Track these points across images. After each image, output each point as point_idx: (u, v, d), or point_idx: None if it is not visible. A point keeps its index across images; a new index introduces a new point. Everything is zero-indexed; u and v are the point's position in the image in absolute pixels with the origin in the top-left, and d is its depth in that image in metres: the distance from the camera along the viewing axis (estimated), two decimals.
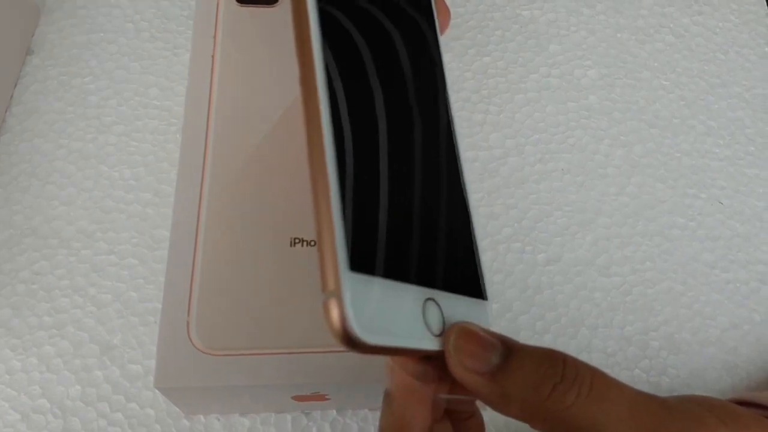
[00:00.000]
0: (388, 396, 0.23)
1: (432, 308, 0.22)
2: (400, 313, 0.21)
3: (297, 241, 0.31)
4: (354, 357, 0.30)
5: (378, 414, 0.35)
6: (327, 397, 0.32)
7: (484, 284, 0.25)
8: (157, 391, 0.33)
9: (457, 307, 0.23)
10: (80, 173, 0.40)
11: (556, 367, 0.21)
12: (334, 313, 0.19)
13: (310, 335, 0.30)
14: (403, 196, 0.23)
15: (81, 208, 0.39)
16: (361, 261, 0.20)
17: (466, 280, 0.25)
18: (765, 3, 0.52)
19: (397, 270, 0.21)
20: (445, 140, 0.27)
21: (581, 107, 0.45)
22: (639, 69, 0.47)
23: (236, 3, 0.37)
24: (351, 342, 0.19)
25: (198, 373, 0.29)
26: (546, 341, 0.37)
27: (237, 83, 0.35)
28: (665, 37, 0.49)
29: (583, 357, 0.37)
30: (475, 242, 0.26)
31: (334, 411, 0.35)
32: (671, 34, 0.49)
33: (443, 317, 0.22)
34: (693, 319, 0.39)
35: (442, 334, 0.22)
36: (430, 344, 0.21)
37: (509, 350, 0.22)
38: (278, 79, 0.36)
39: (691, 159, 0.44)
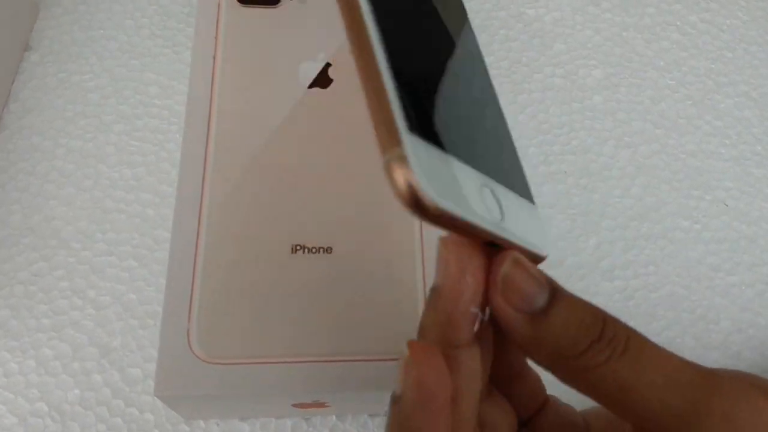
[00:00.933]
0: (396, 404, 0.22)
1: (489, 196, 0.21)
2: (461, 189, 0.19)
3: (298, 248, 0.31)
4: (354, 365, 0.30)
5: (378, 420, 0.35)
6: (327, 404, 0.32)
7: (530, 190, 0.24)
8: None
9: (513, 204, 0.22)
10: (80, 172, 0.39)
11: (597, 325, 0.21)
12: (399, 174, 0.17)
13: (311, 344, 0.30)
14: (453, 85, 0.22)
15: (80, 208, 0.39)
16: (419, 125, 0.18)
17: (518, 181, 0.24)
18: None
19: (454, 146, 0.20)
20: (480, 71, 0.27)
21: (586, 108, 0.45)
22: (645, 68, 0.47)
23: (238, 3, 0.37)
24: (420, 205, 0.17)
25: (198, 381, 0.28)
26: None
27: (238, 85, 0.35)
28: (672, 35, 0.49)
29: None
30: (514, 146, 0.25)
31: (334, 417, 0.35)
32: (678, 32, 0.49)
33: (501, 208, 0.21)
34: (696, 324, 0.39)
35: (502, 222, 0.21)
36: (493, 228, 0.20)
37: (554, 296, 0.21)
38: (280, 80, 0.35)
39: (696, 160, 0.44)
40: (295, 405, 0.31)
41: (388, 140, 0.18)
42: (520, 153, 0.24)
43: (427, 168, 0.18)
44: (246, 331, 0.30)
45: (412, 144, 0.18)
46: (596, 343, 0.20)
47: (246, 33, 0.37)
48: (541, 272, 0.21)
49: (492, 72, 0.26)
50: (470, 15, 0.28)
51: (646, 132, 0.44)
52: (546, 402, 0.27)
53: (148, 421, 0.34)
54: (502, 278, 0.21)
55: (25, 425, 0.33)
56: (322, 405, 0.32)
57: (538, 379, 0.27)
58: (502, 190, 0.22)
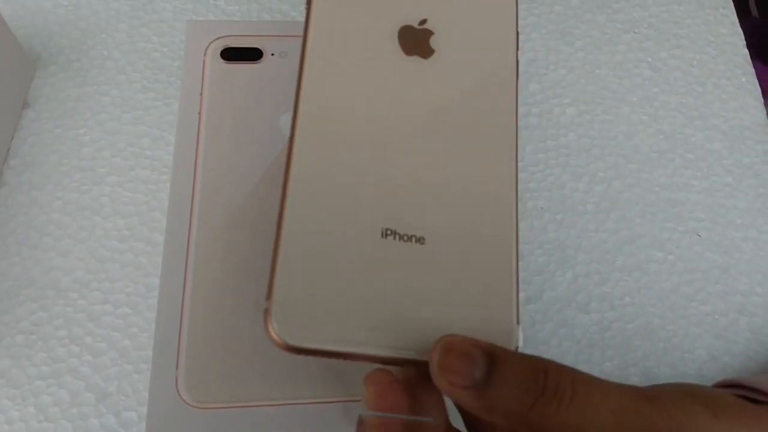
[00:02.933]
0: (361, 425, 0.24)
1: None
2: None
3: None
4: (343, 407, 0.31)
5: None
6: None
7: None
8: None
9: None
10: (76, 224, 0.41)
11: (538, 380, 0.22)
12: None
13: (299, 387, 0.31)
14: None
15: (77, 259, 0.40)
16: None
17: None
18: (741, 34, 0.53)
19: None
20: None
21: (560, 145, 0.46)
22: (617, 104, 0.49)
23: (222, 60, 0.39)
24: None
25: (187, 426, 0.30)
26: None
27: (223, 139, 0.37)
28: (643, 71, 0.50)
29: None
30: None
31: None
32: (649, 68, 0.51)
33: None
34: (671, 353, 0.40)
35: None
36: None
37: (493, 362, 0.22)
38: (263, 134, 0.37)
39: (669, 192, 0.46)
40: None
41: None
42: None
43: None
44: (233, 376, 0.31)
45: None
46: (541, 397, 0.22)
47: (230, 88, 0.39)
48: (473, 343, 0.23)
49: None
50: None
51: (620, 167, 0.46)
52: None
53: None
54: (438, 366, 0.23)
55: None
56: None
57: None
58: None
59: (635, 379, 0.39)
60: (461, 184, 0.28)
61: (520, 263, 0.28)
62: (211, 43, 0.39)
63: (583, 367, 0.39)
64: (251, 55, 0.39)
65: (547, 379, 0.22)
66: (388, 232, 0.26)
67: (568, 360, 0.39)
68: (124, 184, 0.43)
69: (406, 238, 0.26)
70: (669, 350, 0.40)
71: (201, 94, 0.38)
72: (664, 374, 0.40)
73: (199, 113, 0.38)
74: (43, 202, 0.42)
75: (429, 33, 0.31)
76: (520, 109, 0.47)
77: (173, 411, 0.30)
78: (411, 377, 0.25)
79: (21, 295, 0.39)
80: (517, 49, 0.32)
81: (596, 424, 0.22)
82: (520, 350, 0.25)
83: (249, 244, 0.34)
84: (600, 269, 0.42)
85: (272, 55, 0.39)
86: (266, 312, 0.23)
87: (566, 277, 0.42)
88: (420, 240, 0.26)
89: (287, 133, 0.37)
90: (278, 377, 0.31)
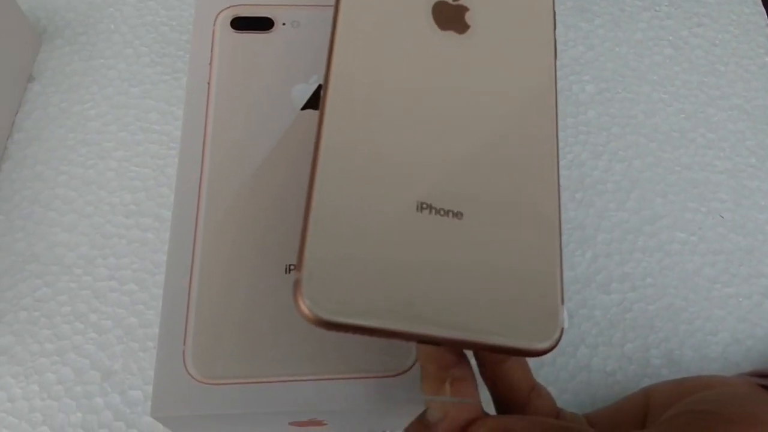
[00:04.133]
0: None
1: None
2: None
3: (292, 267, 0.31)
4: (351, 383, 0.30)
5: None
6: (324, 422, 0.32)
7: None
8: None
9: None
10: (81, 199, 0.40)
11: None
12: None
13: (306, 362, 0.30)
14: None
15: (82, 234, 0.39)
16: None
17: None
18: (765, 13, 0.51)
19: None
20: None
21: (580, 122, 0.45)
22: (638, 83, 0.47)
23: (232, 30, 0.38)
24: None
25: (194, 402, 0.29)
26: (545, 361, 0.37)
27: (233, 110, 0.36)
28: (664, 49, 0.49)
29: (583, 376, 0.37)
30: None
31: None
32: (670, 46, 0.49)
33: None
34: (694, 335, 0.39)
35: None
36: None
37: None
38: (274, 105, 0.36)
39: (691, 172, 0.44)
40: (292, 424, 0.32)
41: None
42: None
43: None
44: (241, 352, 0.30)
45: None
46: None
47: (240, 58, 0.37)
48: None
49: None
50: None
51: (640, 145, 0.45)
52: (558, 415, 0.28)
53: None
54: None
55: None
56: (319, 423, 0.32)
57: (548, 395, 0.27)
58: None
59: (657, 362, 0.38)
60: (499, 159, 0.27)
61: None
62: (220, 12, 0.38)
63: (603, 349, 0.38)
64: (262, 24, 0.38)
65: None
66: (424, 206, 0.25)
67: (588, 341, 0.38)
68: (131, 159, 0.41)
69: (443, 212, 0.25)
70: (691, 332, 0.39)
71: (210, 65, 0.37)
72: (687, 357, 0.38)
73: (209, 84, 0.36)
74: (47, 177, 0.41)
75: (464, 9, 0.30)
76: None
77: (180, 386, 0.29)
78: (446, 358, 0.24)
79: (25, 271, 0.38)
80: (555, 27, 0.31)
81: None
82: (564, 332, 0.23)
83: (259, 218, 0.33)
84: (621, 249, 0.41)
85: (283, 24, 0.38)
86: (296, 284, 0.21)
87: (586, 256, 0.41)
88: (457, 215, 0.25)
89: (299, 104, 0.36)
90: (287, 353, 0.30)
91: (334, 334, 0.30)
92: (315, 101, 0.36)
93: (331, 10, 0.30)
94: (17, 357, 0.36)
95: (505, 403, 0.27)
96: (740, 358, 0.39)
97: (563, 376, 0.37)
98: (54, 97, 0.44)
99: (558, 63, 0.47)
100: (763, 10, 0.52)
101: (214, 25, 0.38)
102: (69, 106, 0.43)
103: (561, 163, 0.43)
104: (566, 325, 0.24)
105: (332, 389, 0.30)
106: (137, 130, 0.42)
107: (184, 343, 0.30)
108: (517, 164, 0.27)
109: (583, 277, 0.40)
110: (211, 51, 0.37)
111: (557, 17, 0.46)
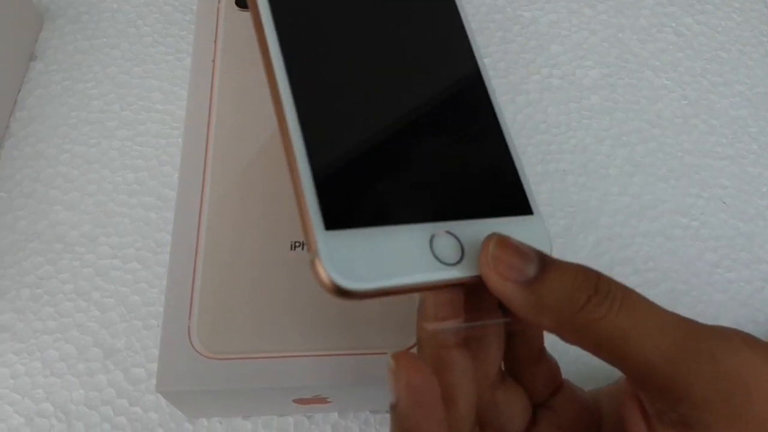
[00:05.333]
0: (394, 410, 0.23)
1: (444, 240, 0.22)
2: (399, 254, 0.22)
3: (297, 244, 0.31)
4: (355, 359, 0.30)
5: (379, 417, 0.35)
6: (328, 399, 0.32)
7: (529, 197, 0.25)
8: (160, 394, 0.33)
9: (485, 231, 0.23)
10: (83, 178, 0.40)
11: (590, 281, 0.22)
12: (319, 272, 0.20)
13: (311, 338, 0.30)
14: (388, 139, 0.24)
15: (84, 213, 0.39)
16: (338, 219, 0.21)
17: (504, 198, 0.25)
18: (767, 1, 0.51)
19: (385, 216, 0.22)
20: (458, 57, 0.27)
21: (583, 107, 0.45)
22: (641, 68, 0.47)
23: (236, 8, 0.38)
24: (342, 293, 0.20)
25: (199, 377, 0.29)
26: (548, 343, 0.37)
27: (237, 88, 0.36)
28: (667, 36, 0.49)
29: (587, 359, 0.37)
30: (512, 154, 0.26)
31: (336, 414, 0.35)
32: (673, 33, 0.49)
33: (462, 246, 0.23)
34: (696, 319, 0.39)
35: (461, 262, 0.22)
36: (446, 275, 0.22)
37: (545, 263, 0.22)
38: None
39: (693, 158, 0.44)
40: (296, 401, 0.32)
41: (307, 242, 0.21)
42: (520, 152, 0.25)
43: (347, 257, 0.20)
44: (246, 327, 0.30)
45: (329, 241, 0.20)
46: (594, 296, 0.22)
47: (245, 36, 0.37)
48: (528, 247, 0.23)
49: (489, 74, 0.26)
50: (468, 19, 0.29)
51: (643, 131, 0.45)
52: (561, 385, 0.28)
53: (152, 419, 0.34)
54: (491, 259, 0.22)
55: (31, 425, 0.34)
56: (323, 400, 0.32)
57: (555, 365, 0.27)
58: (466, 226, 0.23)
59: None
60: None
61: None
62: None
63: None
64: None
65: (600, 281, 0.22)
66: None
67: None
68: (134, 138, 0.41)
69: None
70: (693, 317, 0.38)
71: (215, 43, 0.37)
72: None
73: (213, 62, 0.36)
74: (49, 155, 0.41)
75: None
76: (542, 71, 0.46)
77: (185, 361, 0.29)
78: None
79: (27, 249, 0.38)
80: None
81: (641, 330, 0.21)
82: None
83: (264, 196, 0.33)
84: (623, 233, 0.41)
85: None
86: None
87: (588, 240, 0.41)
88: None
89: None
90: (292, 329, 0.30)
91: (338, 312, 0.31)
92: None
93: None
94: (20, 334, 0.36)
95: (516, 361, 0.27)
96: None
97: (565, 360, 0.37)
98: (56, 75, 0.43)
99: (561, 48, 0.47)
100: None
101: (218, 2, 0.38)
102: (71, 84, 0.43)
103: (565, 147, 0.43)
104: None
105: (336, 365, 0.30)
106: (140, 109, 0.42)
107: (189, 319, 0.30)
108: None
109: (586, 261, 0.40)
110: (216, 29, 0.37)
111: (560, 3, 0.45)
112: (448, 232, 0.23)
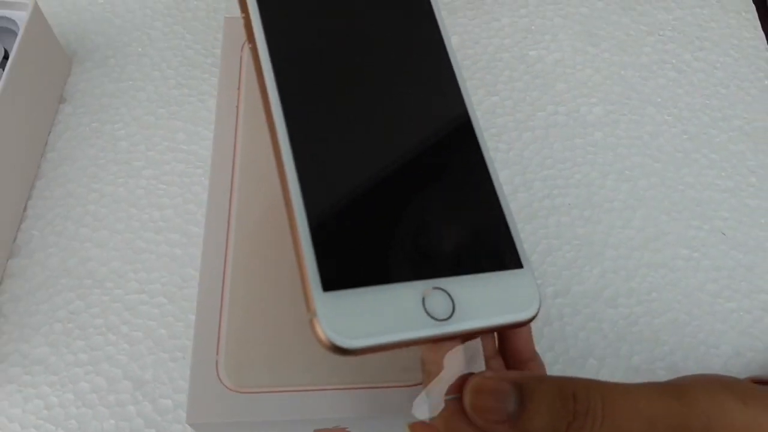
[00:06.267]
0: None
1: (436, 297, 0.24)
2: (393, 311, 0.23)
3: None
4: (373, 393, 0.32)
5: None
6: (348, 430, 0.34)
7: (518, 251, 0.26)
8: (186, 424, 0.35)
9: (475, 288, 0.24)
10: (112, 216, 0.42)
11: (568, 406, 0.23)
12: (317, 332, 0.22)
13: (332, 373, 0.32)
14: (384, 202, 0.25)
15: (113, 250, 0.41)
16: (335, 280, 0.22)
17: (494, 253, 0.26)
18: (764, 38, 0.53)
19: (379, 275, 0.23)
20: (449, 105, 0.28)
21: (587, 143, 0.47)
22: (643, 105, 0.49)
23: None
24: (340, 351, 0.22)
25: (227, 409, 0.31)
26: (555, 372, 0.39)
27: (261, 132, 0.38)
28: (668, 73, 0.51)
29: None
30: (503, 207, 0.26)
31: None
32: (674, 69, 0.51)
33: (453, 302, 0.24)
34: (697, 348, 0.41)
35: (452, 317, 0.23)
36: (437, 330, 0.23)
37: (522, 393, 0.23)
38: None
39: (694, 191, 0.46)
40: (317, 430, 0.33)
41: (306, 302, 0.22)
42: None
43: (345, 315, 0.22)
44: (271, 362, 0.32)
45: (326, 302, 0.22)
46: (573, 422, 0.23)
47: None
48: (504, 382, 0.24)
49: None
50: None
51: (646, 166, 0.47)
52: None
53: None
54: (470, 408, 0.24)
55: None
56: (342, 431, 0.34)
57: (542, 366, 0.29)
58: (457, 282, 0.24)
59: (662, 373, 0.40)
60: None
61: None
62: None
63: (611, 361, 0.39)
64: None
65: (577, 403, 0.23)
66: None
67: (596, 353, 0.40)
68: (159, 177, 0.43)
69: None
70: (695, 345, 0.41)
71: (238, 89, 0.39)
72: (691, 369, 0.40)
73: (237, 108, 0.38)
74: (79, 194, 0.43)
75: None
76: (547, 108, 0.48)
77: (214, 394, 0.31)
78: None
79: (58, 285, 0.40)
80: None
81: None
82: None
83: (287, 236, 0.35)
84: (627, 265, 0.43)
85: None
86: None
87: (594, 272, 0.42)
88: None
89: None
90: (314, 364, 0.32)
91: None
92: None
93: None
94: (53, 367, 0.38)
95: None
96: (741, 370, 0.41)
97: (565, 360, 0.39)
98: (84, 117, 0.46)
99: (566, 86, 0.49)
100: (763, 35, 0.54)
101: (242, 50, 0.40)
102: (99, 126, 0.45)
103: (570, 181, 0.45)
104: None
105: (355, 398, 0.31)
106: (165, 149, 0.44)
107: (217, 353, 0.31)
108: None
109: (591, 292, 0.42)
110: (239, 76, 0.39)
111: (564, 42, 0.47)
112: (439, 288, 0.24)
